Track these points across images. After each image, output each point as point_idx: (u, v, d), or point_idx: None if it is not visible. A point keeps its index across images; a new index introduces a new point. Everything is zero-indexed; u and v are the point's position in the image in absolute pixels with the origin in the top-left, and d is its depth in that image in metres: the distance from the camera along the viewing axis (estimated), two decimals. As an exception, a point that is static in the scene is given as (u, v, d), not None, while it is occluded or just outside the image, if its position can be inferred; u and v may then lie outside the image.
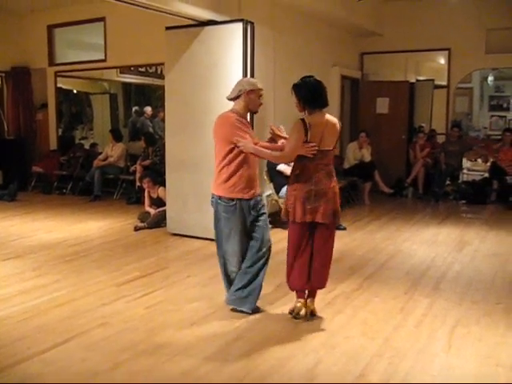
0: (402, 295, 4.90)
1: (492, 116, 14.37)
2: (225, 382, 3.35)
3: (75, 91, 13.89)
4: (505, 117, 14.11)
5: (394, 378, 3.37)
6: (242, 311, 4.41)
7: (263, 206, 4.51)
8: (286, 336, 4.01)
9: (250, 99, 4.38)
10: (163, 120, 8.64)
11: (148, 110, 12.40)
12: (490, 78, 14.31)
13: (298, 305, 4.35)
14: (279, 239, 6.94)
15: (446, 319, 4.33)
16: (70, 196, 10.49)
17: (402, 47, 10.80)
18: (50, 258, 6.14)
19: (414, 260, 6.12)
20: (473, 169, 11.00)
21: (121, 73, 12.29)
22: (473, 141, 11.97)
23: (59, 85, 11.74)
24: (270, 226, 7.42)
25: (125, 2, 5.89)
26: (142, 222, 7.68)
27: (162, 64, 8.50)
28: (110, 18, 10.14)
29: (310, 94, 4.22)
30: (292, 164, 7.31)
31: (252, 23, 6.45)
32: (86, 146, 11.71)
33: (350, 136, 10.95)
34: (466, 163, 10.93)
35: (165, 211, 7.39)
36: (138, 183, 9.04)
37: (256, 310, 4.46)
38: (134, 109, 13.17)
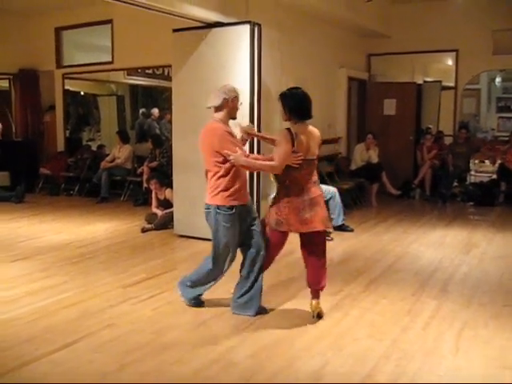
0: (409, 297, 4.89)
1: (500, 117, 14.33)
2: (232, 383, 3.36)
3: (82, 93, 13.94)
4: (512, 118, 14.08)
5: (402, 380, 3.37)
6: (248, 315, 4.42)
7: (254, 209, 4.67)
8: (292, 338, 4.01)
9: (233, 106, 4.41)
10: (170, 122, 8.65)
11: (155, 111, 12.43)
12: (498, 80, 14.28)
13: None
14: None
15: (454, 321, 4.31)
16: (78, 198, 10.52)
17: (409, 48, 10.76)
18: (57, 259, 6.16)
19: (422, 262, 6.10)
20: (480, 170, 10.97)
21: (128, 75, 12.33)
22: (480, 142, 11.92)
23: (67, 87, 11.78)
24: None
25: (132, 4, 5.90)
26: (149, 223, 7.69)
27: (169, 66, 8.51)
28: (118, 20, 10.17)
29: (297, 105, 4.32)
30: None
31: (259, 25, 6.46)
32: (93, 148, 11.74)
33: (357, 137, 10.93)
34: (473, 165, 10.90)
35: (172, 213, 7.40)
36: (145, 185, 9.05)
37: (261, 311, 4.47)
38: (141, 111, 13.19)
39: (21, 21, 11.41)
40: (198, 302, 4.64)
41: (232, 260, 4.49)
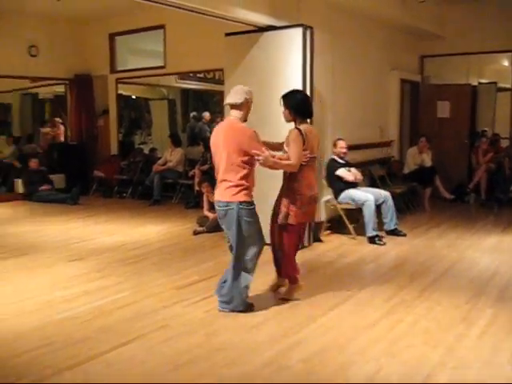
0: (464, 304, 4.76)
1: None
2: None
3: (134, 97, 14.21)
4: None
5: (459, 389, 3.29)
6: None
7: None
8: (346, 343, 3.96)
9: (249, 108, 4.52)
10: (221, 125, 8.70)
11: (206, 115, 12.55)
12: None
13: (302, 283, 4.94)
14: (338, 244, 6.98)
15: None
16: (130, 200, 10.72)
17: (464, 49, 10.51)
18: (112, 260, 6.29)
19: (477, 268, 5.94)
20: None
21: (179, 79, 12.51)
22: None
23: (119, 91, 12.04)
24: (329, 231, 7.48)
25: (185, 10, 5.97)
26: (200, 226, 7.75)
27: (221, 70, 8.60)
28: (170, 25, 10.33)
29: (302, 105, 4.73)
30: (347, 169, 7.28)
31: (311, 28, 6.44)
32: (146, 151, 11.95)
33: (409, 140, 10.75)
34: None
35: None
36: (196, 188, 9.13)
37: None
38: (192, 114, 13.36)
39: (76, 28, 11.74)
40: (247, 307, 4.63)
41: (258, 255, 4.54)
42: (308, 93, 6.44)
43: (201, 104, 13.96)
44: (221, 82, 8.71)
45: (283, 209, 4.66)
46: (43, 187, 10.66)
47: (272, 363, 3.64)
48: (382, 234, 7.23)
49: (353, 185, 7.33)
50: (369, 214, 6.99)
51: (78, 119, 12.08)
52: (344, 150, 7.35)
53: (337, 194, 7.33)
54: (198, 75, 12.01)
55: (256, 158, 4.31)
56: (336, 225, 7.62)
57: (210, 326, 4.31)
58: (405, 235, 7.35)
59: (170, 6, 5.79)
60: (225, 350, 3.85)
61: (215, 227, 7.57)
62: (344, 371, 3.52)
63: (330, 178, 7.36)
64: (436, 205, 9.49)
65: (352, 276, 5.76)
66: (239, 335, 4.12)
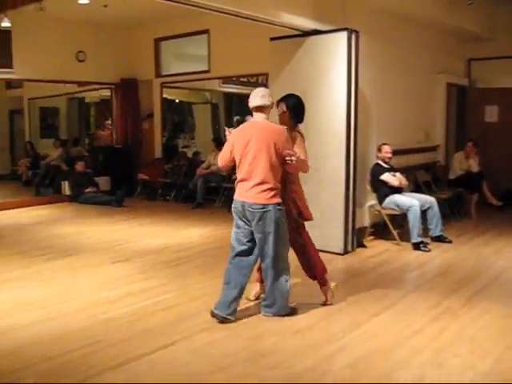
0: (513, 313, 4.65)
1: None
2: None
3: (177, 101, 14.35)
4: None
5: (508, 401, 3.20)
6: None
7: None
8: (390, 350, 3.90)
9: (269, 112, 4.50)
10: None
11: (249, 119, 12.54)
12: None
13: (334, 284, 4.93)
14: (382, 250, 6.89)
15: None
16: (173, 203, 10.83)
17: (513, 52, 10.27)
18: (156, 262, 6.36)
19: (527, 277, 5.79)
20: None
21: (223, 83, 12.59)
22: None
23: (164, 95, 12.18)
24: (372, 237, 7.40)
25: (230, 15, 6.00)
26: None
27: (264, 74, 8.62)
28: (214, 30, 10.40)
29: (300, 108, 4.75)
30: (392, 174, 7.18)
31: (356, 32, 6.39)
32: (189, 155, 12.04)
33: (455, 145, 10.54)
34: None
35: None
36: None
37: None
38: (235, 118, 13.40)
39: (122, 33, 11.95)
40: (291, 311, 4.62)
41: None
42: (353, 97, 6.40)
43: (244, 108, 13.99)
44: (264, 86, 8.69)
45: (294, 211, 4.63)
46: (89, 189, 10.88)
47: (316, 368, 3.61)
48: (427, 240, 7.11)
49: (397, 190, 7.23)
50: (414, 219, 6.88)
51: (124, 123, 12.28)
52: (389, 155, 7.26)
53: (381, 199, 7.24)
54: (241, 79, 12.06)
55: (287, 159, 4.28)
56: (380, 230, 7.53)
57: (253, 330, 4.30)
58: (450, 242, 7.21)
59: (217, 11, 5.83)
60: (269, 354, 3.83)
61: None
62: (388, 377, 3.47)
63: (374, 182, 7.28)
64: (483, 211, 9.27)
65: (396, 282, 5.68)
66: (283, 340, 4.09)
